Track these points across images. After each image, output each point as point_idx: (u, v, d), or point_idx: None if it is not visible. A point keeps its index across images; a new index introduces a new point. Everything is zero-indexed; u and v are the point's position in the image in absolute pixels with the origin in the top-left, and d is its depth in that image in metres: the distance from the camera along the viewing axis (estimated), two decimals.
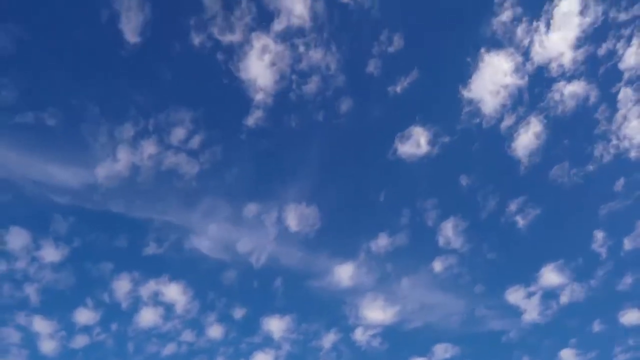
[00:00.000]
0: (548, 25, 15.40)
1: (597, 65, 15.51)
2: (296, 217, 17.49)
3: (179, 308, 17.98)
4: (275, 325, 18.52)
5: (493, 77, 15.33)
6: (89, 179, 15.23)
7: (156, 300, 18.01)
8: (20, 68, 12.60)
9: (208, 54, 13.84)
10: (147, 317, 18.29)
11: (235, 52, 14.13)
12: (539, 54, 15.18)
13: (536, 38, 15.42)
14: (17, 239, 16.94)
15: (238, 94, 14.28)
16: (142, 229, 16.65)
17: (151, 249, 17.09)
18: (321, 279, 17.76)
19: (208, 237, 16.82)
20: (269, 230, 15.35)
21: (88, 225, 16.28)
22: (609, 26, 14.63)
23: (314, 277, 17.86)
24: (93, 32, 12.59)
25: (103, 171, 15.53)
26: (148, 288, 17.76)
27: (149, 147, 15.46)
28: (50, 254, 17.39)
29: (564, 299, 18.40)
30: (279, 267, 17.46)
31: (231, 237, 17.10)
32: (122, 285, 17.86)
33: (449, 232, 18.14)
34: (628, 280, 17.88)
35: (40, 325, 17.87)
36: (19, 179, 14.94)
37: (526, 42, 15.22)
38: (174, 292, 18.33)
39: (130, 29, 12.79)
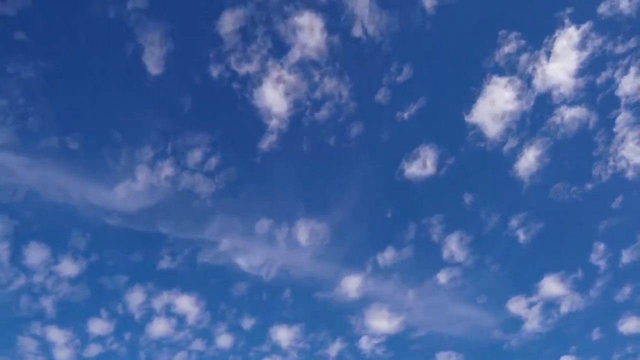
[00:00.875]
0: (549, 56, 18.35)
1: (596, 92, 18.38)
2: (306, 232, 20.40)
3: (191, 319, 20.94)
4: (283, 335, 21.50)
5: (496, 103, 18.18)
6: (108, 198, 18.64)
7: (168, 311, 21.12)
8: (48, 96, 15.45)
9: (225, 84, 16.66)
10: (159, 327, 21.33)
11: (251, 82, 16.77)
12: (540, 82, 18.05)
13: (538, 67, 18.36)
14: (37, 254, 19.82)
15: (253, 120, 16.44)
16: (157, 244, 19.69)
17: (165, 263, 20.07)
18: (329, 290, 20.52)
19: (220, 251, 20.11)
20: (279, 244, 18.11)
21: (105, 241, 19.38)
22: (606, 57, 17.50)
23: (322, 289, 20.81)
24: (118, 64, 15.43)
25: (122, 191, 18.50)
26: (161, 300, 20.85)
27: (167, 169, 18.49)
28: (68, 267, 20.41)
29: (564, 308, 21.73)
30: (288, 279, 20.24)
31: (243, 251, 20.44)
32: (136, 297, 20.94)
33: (453, 245, 21.22)
34: (626, 290, 21.01)
35: (56, 334, 20.90)
36: (41, 198, 17.95)
37: (528, 71, 18.15)
38: (186, 304, 21.32)
39: (153, 61, 15.43)
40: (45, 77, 15.29)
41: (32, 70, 15.12)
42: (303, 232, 19.07)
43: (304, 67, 15.69)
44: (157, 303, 19.51)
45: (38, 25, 14.98)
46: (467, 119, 17.12)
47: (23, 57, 15.07)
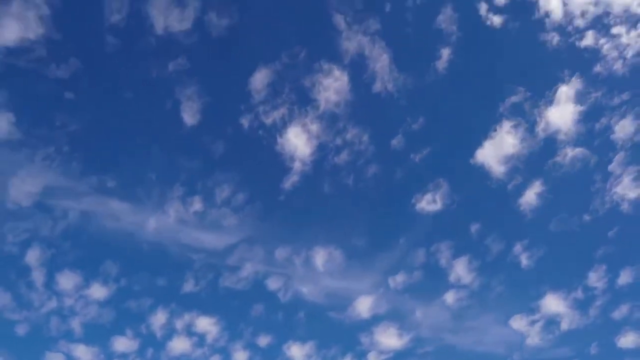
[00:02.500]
0: (551, 105, 24.91)
1: (594, 137, 25.01)
2: (323, 258, 27.37)
3: (210, 337, 28.05)
4: (297, 351, 24.78)
5: (502, 147, 24.80)
6: (140, 229, 22.68)
7: (189, 330, 28.20)
8: (90, 144, 20.95)
9: (253, 132, 22.99)
10: (180, 345, 28.36)
11: (277, 129, 23.61)
12: (543, 127, 24.47)
13: (541, 115, 24.94)
14: (69, 280, 26.39)
15: (278, 163, 21.66)
16: (183, 269, 26.58)
17: (189, 286, 26.91)
18: (341, 310, 24.37)
19: (241, 276, 24.01)
20: (297, 270, 23.74)
21: (135, 267, 26.37)
22: (603, 108, 24.04)
23: (335, 309, 27.79)
24: (157, 117, 20.89)
25: (153, 223, 25.14)
26: (183, 320, 27.89)
27: (196, 204, 25.46)
28: (98, 291, 27.27)
29: (564, 325, 29.37)
30: (303, 301, 24.67)
31: (263, 275, 24.25)
32: (159, 318, 27.82)
33: (460, 269, 28.34)
34: (624, 309, 28.24)
35: (82, 351, 27.72)
36: (80, 230, 22.63)
37: (532, 118, 24.73)
38: (206, 324, 28.32)
39: (189, 114, 20.89)
40: (89, 129, 21.03)
41: (77, 123, 20.89)
42: (320, 258, 23.80)
43: (327, 117, 21.37)
44: (179, 323, 26.47)
45: (86, 86, 20.69)
46: (474, 160, 23.84)
47: (70, 113, 20.83)
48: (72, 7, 19.86)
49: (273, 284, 25.89)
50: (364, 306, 26.69)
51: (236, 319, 25.90)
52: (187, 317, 25.74)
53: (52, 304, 24.87)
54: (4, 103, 21.29)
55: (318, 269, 25.44)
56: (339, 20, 20.45)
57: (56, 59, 20.20)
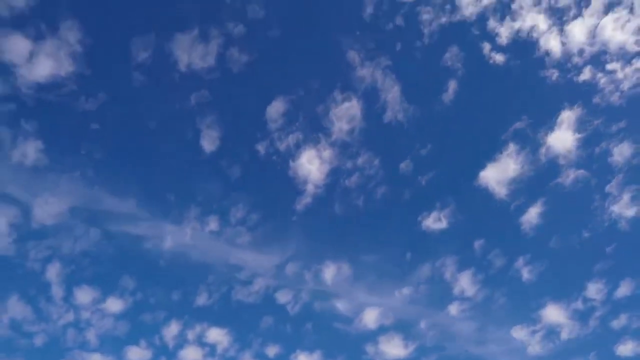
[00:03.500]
0: (552, 131, 30.07)
1: (594, 160, 30.09)
2: (332, 273, 32.66)
3: (220, 348, 33.31)
4: None
5: (505, 169, 29.91)
6: (157, 248, 27.02)
7: (200, 341, 33.32)
8: (112, 170, 24.78)
9: (269, 157, 28.01)
10: (191, 354, 33.60)
11: (291, 155, 27.47)
12: (545, 152, 29.51)
13: (543, 140, 30.04)
14: (86, 294, 31.34)
15: (291, 186, 25.51)
16: (197, 283, 31.86)
17: (202, 299, 32.00)
18: (348, 322, 28.94)
19: (252, 290, 28.28)
20: (307, 283, 28.00)
21: (150, 282, 31.57)
22: (601, 134, 29.44)
23: (342, 320, 32.72)
24: (178, 145, 24.82)
25: (170, 241, 30.14)
26: (195, 331, 32.99)
27: (212, 224, 30.41)
28: (114, 304, 32.51)
29: (564, 335, 34.71)
30: (312, 313, 28.80)
31: (273, 289, 28.47)
32: (172, 329, 32.81)
33: (464, 282, 33.63)
34: (622, 320, 33.49)
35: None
36: (98, 246, 27.66)
37: (534, 143, 29.76)
38: (217, 334, 31.77)
39: (208, 142, 24.79)
40: (113, 156, 24.82)
41: (102, 151, 24.76)
42: (329, 272, 28.07)
43: (340, 143, 25.20)
44: (191, 334, 31.50)
45: (112, 118, 24.61)
46: (478, 182, 28.67)
47: (96, 142, 24.67)
48: (102, 45, 24.22)
49: (282, 297, 31.22)
50: (370, 318, 31.83)
51: (246, 330, 31.27)
52: (198, 328, 31.07)
53: (70, 316, 30.09)
54: (34, 132, 25.91)
55: (327, 282, 30.71)
56: (353, 55, 25.23)
57: (85, 93, 24.58)
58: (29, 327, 27.17)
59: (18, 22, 21.84)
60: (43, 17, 21.91)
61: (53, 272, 26.91)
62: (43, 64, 22.44)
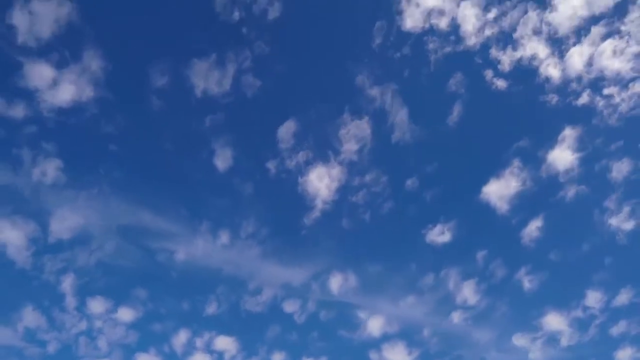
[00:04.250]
0: (553, 148, 34.34)
1: (593, 176, 34.26)
2: (338, 283, 36.74)
3: (227, 355, 31.73)
4: None
5: (507, 186, 34.18)
6: (170, 260, 32.01)
7: (209, 349, 37.27)
8: (129, 185, 28.54)
9: (279, 175, 32.05)
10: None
11: (300, 173, 32.46)
12: (545, 169, 33.68)
13: (544, 159, 34.22)
14: (99, 305, 35.50)
15: (300, 202, 28.10)
16: (207, 293, 35.92)
17: (211, 309, 36.08)
18: (353, 330, 32.12)
19: (260, 300, 31.50)
20: (314, 294, 31.07)
21: (162, 293, 35.44)
22: (601, 152, 33.46)
23: (347, 328, 32.00)
24: (193, 164, 27.89)
25: (182, 253, 34.53)
26: (203, 339, 32.48)
27: (223, 237, 34.48)
28: (126, 314, 36.61)
29: (564, 341, 33.51)
30: (317, 321, 31.74)
31: (281, 298, 31.45)
32: (182, 337, 31.41)
33: (467, 292, 37.84)
34: (621, 327, 37.54)
35: None
36: (113, 259, 31.81)
37: (536, 161, 33.77)
38: (225, 342, 31.80)
39: (222, 161, 27.57)
40: (130, 174, 27.84)
41: (120, 171, 27.81)
42: (335, 282, 30.83)
43: (348, 162, 27.76)
44: (200, 342, 35.52)
45: (130, 140, 27.72)
46: (481, 197, 32.95)
47: (114, 162, 27.80)
48: (122, 71, 28.57)
49: (289, 306, 35.71)
50: (375, 325, 36.13)
51: (253, 338, 35.67)
52: (207, 336, 35.40)
53: (82, 325, 34.53)
54: (54, 151, 30.35)
55: (333, 292, 35.12)
56: (362, 80, 29.60)
57: (105, 116, 28.96)
58: (42, 335, 31.04)
59: (43, 51, 25.90)
60: (67, 46, 25.74)
61: (67, 283, 31.00)
62: (65, 89, 26.43)
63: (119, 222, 27.78)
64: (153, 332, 32.45)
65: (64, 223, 27.77)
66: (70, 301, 31.09)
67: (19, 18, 24.53)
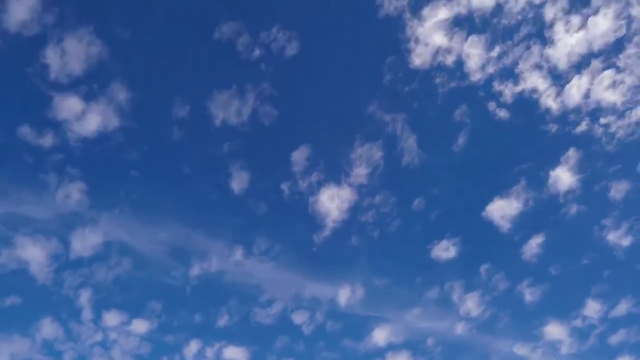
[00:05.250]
0: (554, 170, 40.34)
1: (592, 196, 40.43)
2: (345, 295, 42.67)
3: None
4: None
5: (510, 205, 40.72)
6: (185, 276, 37.97)
7: (219, 358, 42.91)
8: (148, 205, 33.47)
9: (291, 196, 37.85)
10: None
11: (312, 194, 38.18)
12: (546, 190, 39.87)
13: (546, 180, 39.87)
14: (114, 318, 41.64)
15: (311, 221, 31.10)
16: (219, 306, 41.54)
17: (223, 321, 42.09)
18: (359, 340, 36.86)
19: (271, 311, 36.45)
20: (322, 306, 35.82)
21: (176, 306, 41.19)
22: (600, 176, 39.45)
23: (354, 338, 43.44)
24: (210, 186, 31.77)
25: (196, 269, 40.48)
26: (214, 349, 42.91)
27: (237, 254, 40.46)
28: (139, 326, 42.48)
29: (564, 350, 44.16)
30: (324, 332, 36.01)
31: (290, 310, 41.60)
32: (192, 348, 42.59)
33: (470, 303, 44.28)
34: (619, 336, 43.77)
35: None
36: (130, 275, 39.27)
37: (536, 182, 39.73)
38: (235, 353, 40.23)
39: (237, 183, 33.43)
40: (150, 196, 32.42)
41: (140, 193, 32.15)
42: (343, 294, 34.78)
43: (358, 184, 31.18)
44: (210, 352, 41.75)
45: (151, 166, 31.92)
46: (485, 216, 39.25)
47: (135, 185, 32.37)
48: (146, 103, 34.32)
49: (298, 317, 42.38)
50: (380, 336, 42.84)
51: (263, 349, 42.05)
52: (217, 345, 41.64)
53: (97, 336, 40.99)
54: (78, 176, 36.37)
55: (340, 304, 41.75)
56: (374, 110, 35.91)
57: (128, 144, 34.81)
58: (59, 345, 37.16)
59: (73, 85, 32.00)
60: (95, 80, 31.79)
61: (85, 297, 37.26)
62: (92, 120, 32.72)
63: (136, 240, 33.30)
64: (165, 343, 37.04)
65: (85, 241, 32.80)
66: (87, 314, 35.62)
67: (52, 56, 29.81)
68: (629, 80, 30.96)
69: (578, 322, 39.21)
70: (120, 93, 32.40)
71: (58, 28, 30.95)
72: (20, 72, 31.64)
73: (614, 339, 39.50)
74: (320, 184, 31.48)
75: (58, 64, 31.21)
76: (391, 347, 40.17)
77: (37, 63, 31.27)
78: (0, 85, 31.55)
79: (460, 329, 40.05)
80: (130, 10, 28.68)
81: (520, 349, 41.54)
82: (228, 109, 29.37)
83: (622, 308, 39.33)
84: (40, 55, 31.19)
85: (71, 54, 31.03)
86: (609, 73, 31.09)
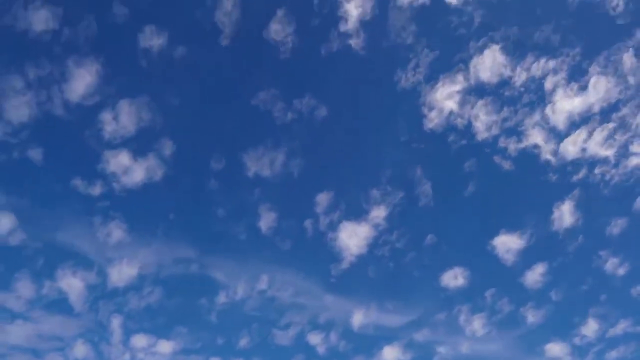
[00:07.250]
0: (556, 211, 50.83)
1: (592, 232, 51.22)
2: (359, 317, 52.93)
3: None
4: None
5: (513, 240, 51.54)
6: (211, 301, 48.83)
7: None
8: (180, 244, 43.40)
9: (313, 232, 48.20)
10: None
11: (332, 230, 48.77)
12: (549, 227, 50.11)
13: (548, 220, 50.21)
14: (142, 340, 52.19)
15: (331, 255, 46.86)
16: (240, 328, 52.01)
17: (243, 342, 52.10)
18: (369, 357, 53.27)
19: (289, 334, 46.08)
20: (337, 327, 45.10)
21: (199, 331, 51.44)
22: (598, 215, 49.91)
23: (364, 355, 53.99)
24: (240, 226, 41.83)
25: (222, 297, 51.20)
26: None
27: (262, 284, 51.05)
28: (165, 347, 52.77)
29: None
30: (337, 352, 52.13)
31: (307, 331, 52.68)
32: None
33: (476, 325, 55.22)
34: (615, 353, 54.51)
35: None
36: (161, 302, 49.68)
37: (540, 221, 49.73)
38: None
39: (265, 223, 46.01)
40: (184, 235, 41.98)
41: (175, 231, 41.22)
42: (357, 317, 45.90)
43: (373, 222, 48.40)
44: None
45: (187, 210, 40.54)
46: (490, 249, 50.00)
47: (171, 225, 41.38)
48: (187, 158, 46.36)
49: (314, 338, 54.70)
50: (390, 354, 55.67)
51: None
52: None
53: (126, 357, 52.98)
54: (120, 217, 47.42)
55: (353, 326, 53.78)
56: (392, 161, 46.85)
57: (168, 193, 44.67)
58: None
59: (124, 143, 43.42)
60: (145, 138, 42.88)
61: (116, 322, 49.21)
62: (138, 173, 44.63)
63: (169, 272, 44.86)
64: None
65: (121, 274, 45.10)
66: (117, 336, 43.72)
67: (107, 119, 41.52)
68: (620, 138, 42.54)
69: (577, 341, 48.76)
70: (165, 149, 40.98)
71: (115, 97, 39.09)
72: (78, 134, 40.50)
73: (610, 356, 49.31)
74: (340, 222, 43.47)
75: (112, 126, 39.01)
76: None
77: (94, 127, 39.54)
78: (59, 144, 39.43)
79: (465, 348, 49.48)
80: (180, 80, 38.47)
81: None
82: (260, 162, 40.86)
83: (618, 329, 49.50)
84: (96, 120, 39.48)
85: (124, 116, 38.50)
86: (601, 132, 42.56)
